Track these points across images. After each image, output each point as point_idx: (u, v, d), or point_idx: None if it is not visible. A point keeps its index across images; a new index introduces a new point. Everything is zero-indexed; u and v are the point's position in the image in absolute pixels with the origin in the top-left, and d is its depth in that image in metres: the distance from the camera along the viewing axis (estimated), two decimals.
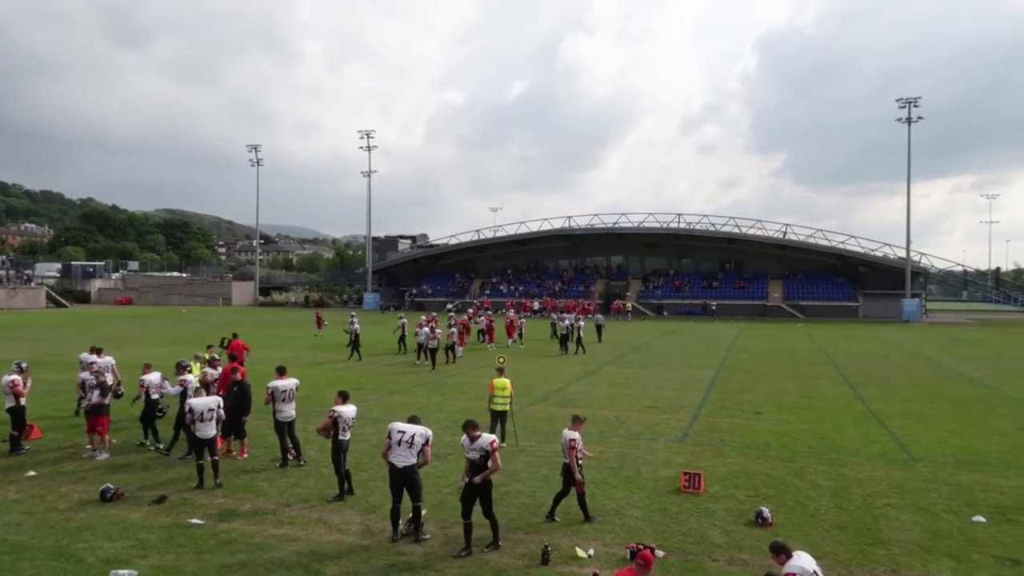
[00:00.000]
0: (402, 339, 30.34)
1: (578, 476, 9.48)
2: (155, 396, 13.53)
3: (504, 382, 13.73)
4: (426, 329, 25.35)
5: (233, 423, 12.55)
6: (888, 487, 11.18)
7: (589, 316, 43.40)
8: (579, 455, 9.57)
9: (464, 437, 8.67)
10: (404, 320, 31.65)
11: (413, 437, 8.77)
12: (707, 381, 22.67)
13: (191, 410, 10.98)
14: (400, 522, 8.90)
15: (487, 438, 8.55)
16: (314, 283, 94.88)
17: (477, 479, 8.42)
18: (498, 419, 13.57)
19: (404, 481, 8.75)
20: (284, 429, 12.16)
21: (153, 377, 13.64)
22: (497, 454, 8.50)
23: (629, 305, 62.38)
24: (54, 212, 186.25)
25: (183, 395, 12.81)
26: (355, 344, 27.87)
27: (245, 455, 12.70)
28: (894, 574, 7.97)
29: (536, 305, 64.27)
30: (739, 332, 44.89)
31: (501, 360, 15.72)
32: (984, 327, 51.86)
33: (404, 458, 8.73)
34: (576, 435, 9.58)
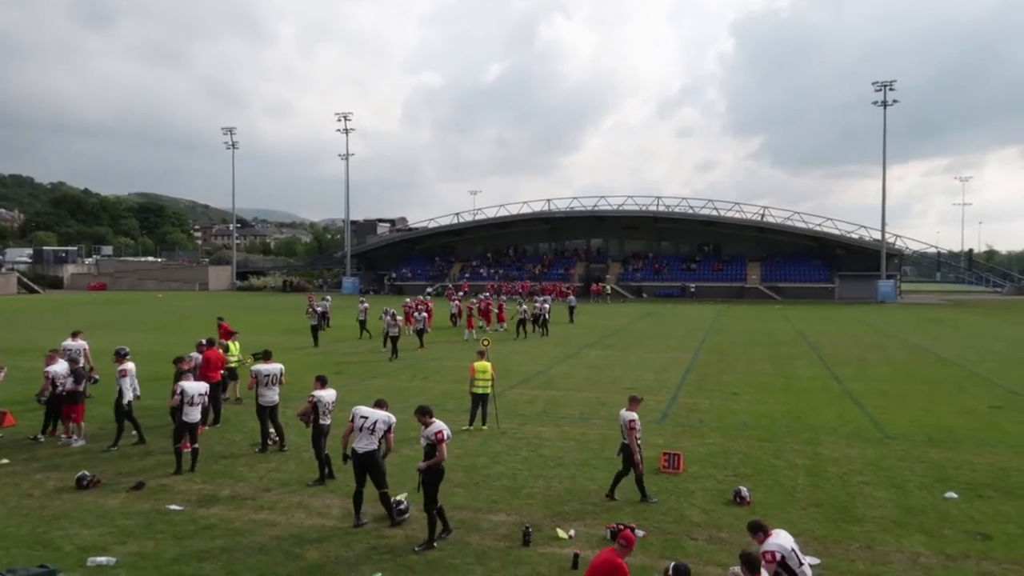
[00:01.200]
0: (363, 324, 30.33)
1: (636, 457, 9.51)
2: (60, 390, 12.64)
3: (485, 365, 13.75)
4: (388, 317, 24.67)
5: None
6: (863, 465, 11.37)
7: (561, 299, 43.27)
8: (638, 436, 9.61)
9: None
10: (366, 305, 31.62)
11: (375, 424, 8.65)
12: (686, 363, 22.85)
13: (182, 393, 10.87)
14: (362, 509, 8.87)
15: (435, 428, 8.30)
16: (292, 267, 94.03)
17: (421, 466, 8.26)
18: (479, 402, 13.60)
19: (366, 466, 8.65)
20: (266, 414, 12.08)
21: (59, 368, 12.80)
22: (443, 445, 8.22)
23: (608, 287, 62.61)
24: (24, 197, 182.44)
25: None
26: (316, 329, 27.61)
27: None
28: (869, 550, 8.13)
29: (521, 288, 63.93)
30: (718, 314, 45.26)
31: (485, 343, 15.68)
32: (957, 308, 52.75)
33: (366, 443, 8.63)
34: (635, 416, 9.64)
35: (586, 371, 21.02)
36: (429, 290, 59.99)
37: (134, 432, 12.73)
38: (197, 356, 14.11)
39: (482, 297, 37.48)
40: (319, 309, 28.62)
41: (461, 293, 41.39)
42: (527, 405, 15.97)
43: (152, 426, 13.27)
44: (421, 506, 8.33)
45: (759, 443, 12.69)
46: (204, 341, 14.85)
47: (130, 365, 12.73)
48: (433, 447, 8.24)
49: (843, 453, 12.07)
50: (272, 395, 12.14)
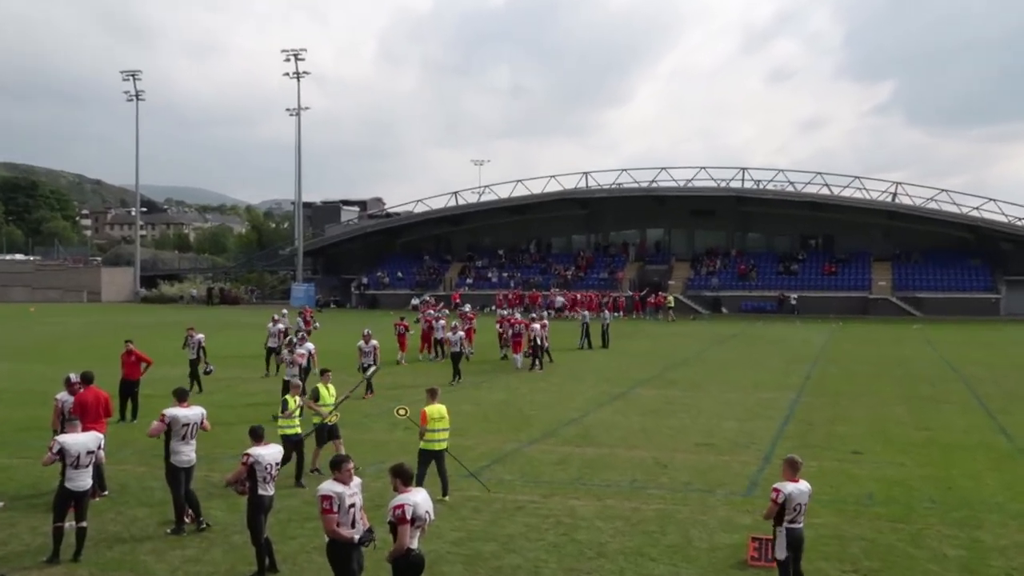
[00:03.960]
0: (273, 351, 29.87)
1: None
2: None
3: (441, 410, 13.83)
4: (296, 351, 22.83)
5: None
6: None
7: (595, 314, 43.58)
8: None
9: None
10: (281, 326, 31.51)
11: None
12: (784, 407, 22.78)
13: (62, 452, 10.84)
14: None
15: (395, 500, 8.06)
16: (221, 269, 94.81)
17: (387, 557, 8.12)
18: (431, 461, 13.51)
19: None
20: (181, 478, 12.11)
21: None
22: (404, 527, 7.90)
23: (671, 299, 62.55)
24: None
25: None
26: (194, 364, 26.48)
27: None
28: None
29: (559, 302, 62.75)
30: (829, 336, 45.14)
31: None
32: None
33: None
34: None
35: (639, 419, 20.99)
36: (415, 300, 60.28)
37: None
38: (65, 399, 13.99)
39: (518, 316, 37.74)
40: (196, 337, 27.31)
41: (463, 308, 41.97)
42: (555, 468, 15.94)
43: (18, 495, 13.33)
44: None
45: (890, 524, 12.61)
46: (76, 377, 14.38)
47: None
48: (394, 526, 8.06)
49: (1012, 540, 11.96)
50: (189, 452, 12.18)
